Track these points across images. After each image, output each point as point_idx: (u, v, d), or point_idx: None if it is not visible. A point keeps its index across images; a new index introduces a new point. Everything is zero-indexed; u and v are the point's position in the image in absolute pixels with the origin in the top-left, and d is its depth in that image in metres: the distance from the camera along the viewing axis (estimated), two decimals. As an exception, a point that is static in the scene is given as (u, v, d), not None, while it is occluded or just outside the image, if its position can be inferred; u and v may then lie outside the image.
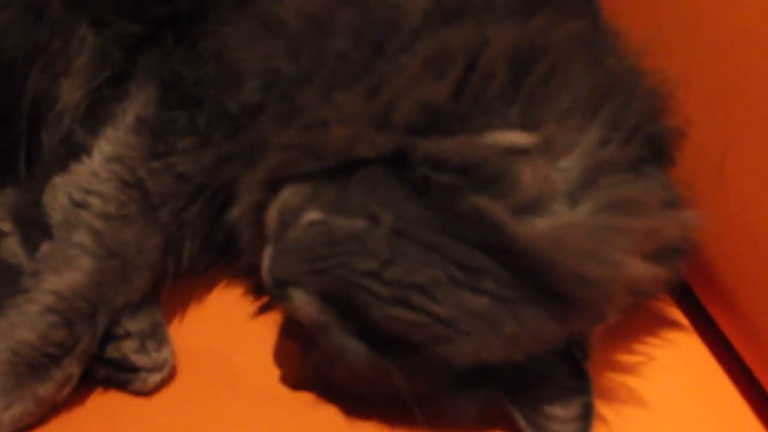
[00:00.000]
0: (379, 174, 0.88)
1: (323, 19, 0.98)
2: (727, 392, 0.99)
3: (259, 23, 1.00)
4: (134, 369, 0.98)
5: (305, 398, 0.99)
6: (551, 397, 0.90)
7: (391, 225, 0.84)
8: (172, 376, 1.01)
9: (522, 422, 0.91)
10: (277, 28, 0.99)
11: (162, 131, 0.99)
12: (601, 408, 0.91)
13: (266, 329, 1.06)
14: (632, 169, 0.89)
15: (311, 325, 0.89)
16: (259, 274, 1.01)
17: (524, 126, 0.87)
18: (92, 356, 0.97)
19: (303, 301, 0.87)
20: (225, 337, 1.06)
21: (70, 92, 1.05)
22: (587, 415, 0.89)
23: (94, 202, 0.97)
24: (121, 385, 1.00)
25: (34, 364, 0.93)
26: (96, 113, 1.06)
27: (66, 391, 0.96)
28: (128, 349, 0.98)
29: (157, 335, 1.00)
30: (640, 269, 0.84)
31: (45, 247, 0.98)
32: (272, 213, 0.90)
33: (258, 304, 1.10)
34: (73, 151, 1.03)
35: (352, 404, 0.97)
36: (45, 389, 0.94)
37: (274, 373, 1.02)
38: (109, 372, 0.99)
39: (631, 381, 0.96)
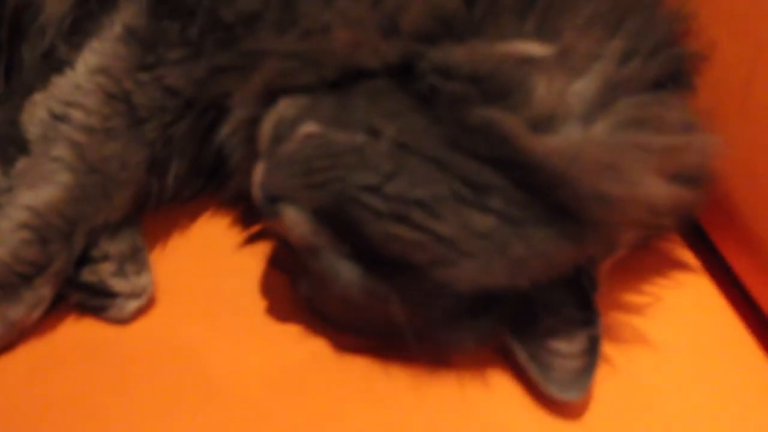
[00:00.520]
0: (382, 86, 0.83)
1: None
2: (738, 334, 0.94)
3: None
4: (111, 294, 0.93)
5: (292, 330, 0.94)
6: (555, 330, 0.85)
7: (393, 138, 0.79)
8: (150, 305, 0.96)
9: (523, 356, 0.86)
10: None
11: (151, 42, 0.93)
12: (607, 348, 0.86)
13: (253, 260, 1.01)
14: (651, 90, 0.84)
15: (303, 246, 0.83)
16: (247, 203, 0.97)
17: (540, 37, 0.81)
18: (66, 279, 0.92)
19: (296, 219, 0.81)
20: (209, 267, 1.01)
21: (55, 3, 0.99)
22: (593, 349, 0.83)
23: (76, 114, 0.91)
24: (96, 312, 0.94)
25: (4, 284, 0.88)
26: (81, 28, 0.99)
27: (36, 314, 0.90)
28: (105, 272, 0.92)
29: (136, 259, 0.94)
30: (659, 189, 0.78)
31: (21, 163, 0.92)
32: (266, 125, 0.85)
33: (245, 234, 1.04)
34: (55, 66, 0.96)
35: (341, 337, 0.92)
36: (15, 311, 0.89)
37: (260, 304, 0.97)
38: (83, 297, 0.94)
39: (637, 321, 0.91)
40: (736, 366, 0.91)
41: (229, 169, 0.97)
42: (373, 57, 0.83)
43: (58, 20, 1.00)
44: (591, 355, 0.83)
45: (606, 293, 0.86)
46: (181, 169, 0.98)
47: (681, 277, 0.97)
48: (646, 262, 0.96)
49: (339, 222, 0.80)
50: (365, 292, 0.82)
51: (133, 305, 0.93)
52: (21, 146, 0.92)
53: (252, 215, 1.03)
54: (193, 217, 1.06)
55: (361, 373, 0.89)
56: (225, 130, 0.94)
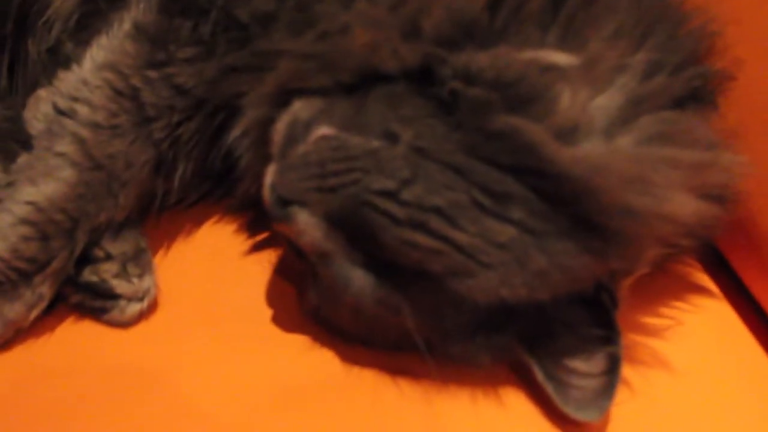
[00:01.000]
0: (399, 91, 0.80)
1: None
2: (759, 360, 0.91)
3: None
4: (112, 296, 0.90)
5: (298, 341, 0.90)
6: (573, 349, 0.82)
7: (411, 142, 0.76)
8: (152, 309, 0.93)
9: (539, 375, 0.83)
10: None
11: (162, 40, 0.90)
12: (625, 370, 0.82)
13: (258, 268, 0.98)
14: (674, 107, 0.81)
15: (314, 252, 0.80)
16: (255, 210, 0.95)
17: (563, 47, 0.79)
18: (66, 279, 0.89)
19: (308, 223, 0.78)
20: (213, 273, 0.98)
21: None
22: (613, 369, 0.80)
23: (82, 110, 0.89)
24: (96, 314, 0.91)
25: (2, 281, 0.85)
26: (89, 24, 0.98)
27: (35, 313, 0.87)
28: (107, 272, 0.89)
29: (139, 261, 0.91)
30: (687, 205, 0.76)
31: (23, 158, 0.89)
32: (279, 127, 0.82)
33: (251, 242, 1.01)
34: (61, 62, 0.94)
35: (350, 348, 0.89)
36: (12, 309, 0.86)
37: (265, 313, 0.93)
38: (83, 298, 0.90)
39: (656, 344, 0.88)
40: (757, 392, 0.89)
41: (237, 174, 0.95)
42: (391, 60, 0.80)
43: (66, 16, 0.99)
44: (611, 374, 0.80)
45: (624, 315, 0.82)
46: (187, 172, 0.95)
47: (700, 302, 0.95)
48: (665, 285, 0.94)
49: (352, 227, 0.77)
50: (377, 302, 0.79)
51: (134, 308, 0.90)
52: (23, 142, 0.90)
53: (259, 223, 1.01)
54: (199, 222, 1.03)
55: (369, 388, 0.86)
56: (235, 132, 0.91)
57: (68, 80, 0.91)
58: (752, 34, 0.88)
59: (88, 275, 0.89)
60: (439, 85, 0.78)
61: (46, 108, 0.91)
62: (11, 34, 1.00)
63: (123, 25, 0.92)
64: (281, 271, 0.97)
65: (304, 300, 0.89)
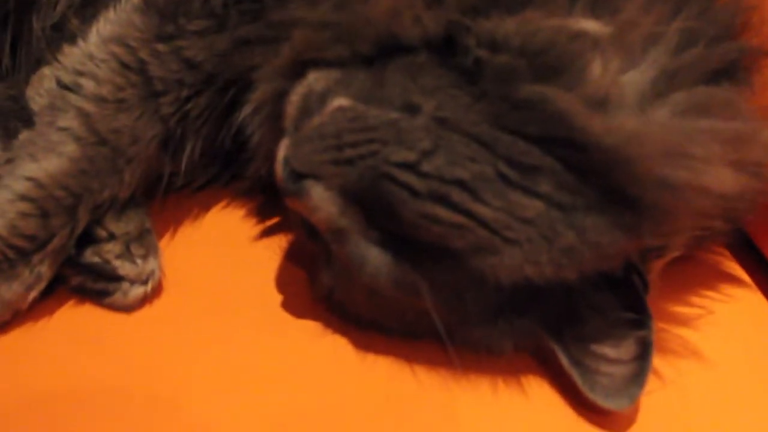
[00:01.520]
0: (421, 61, 0.76)
1: None
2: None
3: None
4: (115, 278, 0.86)
5: (309, 327, 0.87)
6: (601, 333, 0.78)
7: (433, 113, 0.72)
8: (157, 293, 0.89)
9: (565, 361, 0.79)
10: None
11: (172, 12, 0.87)
12: (654, 360, 0.78)
13: (268, 253, 0.94)
14: (709, 82, 0.77)
15: (328, 229, 0.76)
16: (265, 194, 0.92)
17: (594, 14, 0.75)
18: (67, 260, 0.85)
19: (322, 198, 0.74)
20: (221, 258, 0.94)
21: None
22: (644, 355, 0.76)
23: (87, 84, 0.86)
24: (98, 298, 0.87)
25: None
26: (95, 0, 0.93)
27: (33, 294, 0.83)
28: (110, 253, 0.86)
29: (144, 242, 0.88)
30: (724, 177, 0.71)
31: (24, 134, 0.86)
32: (293, 99, 0.78)
33: (261, 227, 0.97)
34: (67, 38, 0.91)
35: (364, 335, 0.85)
36: (9, 289, 0.82)
37: (275, 299, 0.89)
38: (85, 280, 0.87)
39: (687, 334, 0.84)
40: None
41: (247, 153, 0.91)
42: (413, 28, 0.76)
43: (72, -9, 0.94)
44: (642, 360, 0.76)
45: (654, 304, 0.78)
46: (196, 150, 0.92)
47: (731, 291, 0.91)
48: (695, 274, 0.91)
49: (369, 202, 0.74)
50: (394, 283, 0.75)
51: (138, 291, 0.86)
52: (24, 120, 0.87)
53: (269, 207, 0.98)
54: (207, 207, 1.00)
55: (385, 376, 0.82)
56: (246, 109, 0.88)
57: (73, 55, 0.88)
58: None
59: (90, 256, 0.86)
60: (462, 54, 0.74)
61: (49, 83, 0.88)
62: (14, 10, 0.97)
63: None
64: (292, 256, 0.93)
65: (316, 284, 0.85)
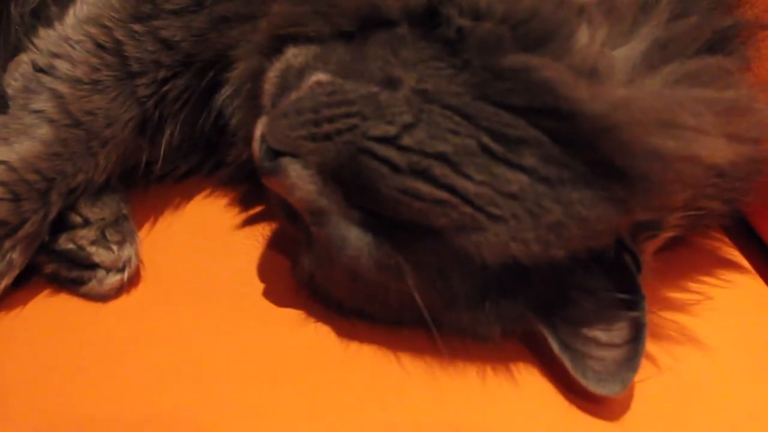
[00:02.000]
0: (402, 35, 0.73)
1: None
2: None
3: None
4: (90, 265, 0.83)
5: (291, 315, 0.84)
6: (592, 316, 0.75)
7: (414, 86, 0.69)
8: (135, 282, 0.86)
9: (555, 346, 0.76)
10: None
11: None
12: (650, 347, 0.76)
13: (250, 242, 0.91)
14: (703, 53, 0.74)
15: (307, 209, 0.73)
16: (248, 182, 0.88)
17: None
18: (40, 247, 0.83)
19: (300, 176, 0.72)
20: (202, 247, 0.92)
21: None
22: (637, 337, 0.73)
23: (62, 66, 0.84)
24: (73, 287, 0.85)
25: (-31, 245, 0.78)
26: None
27: (5, 283, 0.81)
28: (84, 239, 0.83)
29: (120, 228, 0.85)
30: (716, 147, 0.68)
31: (-1, 119, 0.82)
32: (271, 75, 0.76)
33: (243, 216, 0.95)
34: (44, 23, 0.89)
35: (347, 323, 0.82)
36: (-21, 277, 0.78)
37: (257, 287, 0.86)
38: (59, 267, 0.84)
39: (684, 320, 0.82)
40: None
41: (228, 138, 0.89)
42: (394, 0, 0.73)
43: (51, -23, 0.92)
44: (635, 343, 0.73)
45: (650, 290, 0.75)
46: (175, 135, 0.89)
47: (730, 276, 0.89)
48: (693, 260, 0.89)
49: (349, 179, 0.71)
50: (376, 264, 0.73)
51: (114, 280, 0.83)
52: (2, 107, 0.84)
53: (252, 196, 0.95)
54: (188, 196, 0.97)
55: (368, 365, 0.80)
56: (226, 91, 0.86)
57: (49, 37, 0.87)
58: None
59: (64, 242, 0.83)
60: (444, 25, 0.71)
61: (24, 68, 0.86)
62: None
63: None
64: (274, 245, 0.90)
65: (296, 269, 0.82)
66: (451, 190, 0.68)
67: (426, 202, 0.68)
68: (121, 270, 0.84)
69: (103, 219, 0.84)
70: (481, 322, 0.76)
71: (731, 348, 0.82)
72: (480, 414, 0.76)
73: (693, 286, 0.85)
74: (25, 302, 0.83)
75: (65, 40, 0.85)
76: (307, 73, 0.74)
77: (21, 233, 0.79)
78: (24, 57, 0.88)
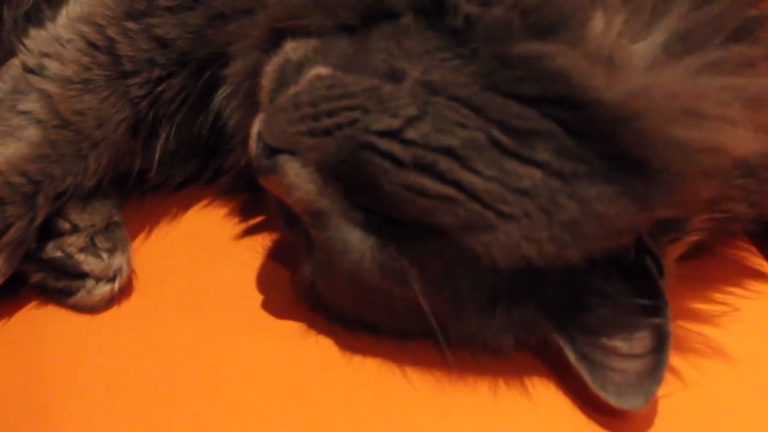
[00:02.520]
0: (406, 25, 0.70)
1: None
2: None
3: None
4: (78, 273, 0.80)
5: (292, 328, 0.80)
6: (612, 324, 0.71)
7: (419, 78, 0.66)
8: (126, 294, 0.83)
9: (572, 357, 0.71)
10: None
11: None
12: (674, 360, 0.71)
13: (249, 253, 0.88)
14: (727, 42, 0.69)
15: (307, 211, 0.69)
16: (248, 191, 0.86)
17: None
18: (27, 255, 0.79)
19: (298, 175, 0.68)
20: (199, 258, 0.89)
21: None
22: (660, 347, 0.69)
23: (51, 65, 0.82)
24: (61, 297, 0.82)
25: (-50, 252, 0.75)
26: None
27: (-11, 293, 0.77)
28: (72, 246, 0.80)
29: (111, 235, 0.83)
30: (743, 137, 0.63)
31: (-13, 123, 0.80)
32: (269, 70, 0.73)
33: (243, 226, 0.91)
34: (36, 24, 0.87)
35: (350, 336, 0.78)
36: (-39, 288, 0.75)
37: (256, 299, 0.83)
38: (46, 277, 0.81)
39: (710, 332, 0.76)
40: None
41: (226, 146, 0.87)
42: None
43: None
44: (658, 353, 0.69)
45: (674, 301, 0.70)
46: (171, 139, 0.87)
47: (758, 287, 0.83)
48: (718, 270, 0.84)
49: (350, 178, 0.67)
50: (379, 269, 0.68)
51: (104, 290, 0.80)
52: None
53: (253, 206, 0.92)
54: (186, 206, 0.95)
55: (373, 379, 0.75)
56: (223, 91, 0.83)
57: (40, 37, 0.85)
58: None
59: (52, 250, 0.81)
60: (451, 14, 0.68)
61: (14, 70, 0.84)
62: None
63: None
64: (275, 256, 0.87)
65: (296, 277, 0.78)
66: (458, 185, 0.64)
67: (431, 199, 0.64)
68: (112, 279, 0.80)
69: (92, 225, 0.81)
70: (491, 330, 0.71)
71: (760, 361, 0.77)
72: (493, 431, 0.71)
73: (719, 296, 0.80)
74: (10, 314, 0.81)
75: (56, 39, 0.83)
76: (306, 67, 0.71)
77: (5, 239, 0.76)
78: (15, 60, 0.85)
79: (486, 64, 0.65)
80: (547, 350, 0.74)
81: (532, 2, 0.65)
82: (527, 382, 0.75)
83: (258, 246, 0.88)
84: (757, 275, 0.85)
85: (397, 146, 0.64)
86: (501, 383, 0.74)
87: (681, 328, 0.75)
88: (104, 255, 0.80)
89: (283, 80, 0.71)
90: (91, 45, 0.82)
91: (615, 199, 0.63)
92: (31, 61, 0.82)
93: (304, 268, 0.76)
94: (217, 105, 0.84)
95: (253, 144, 0.69)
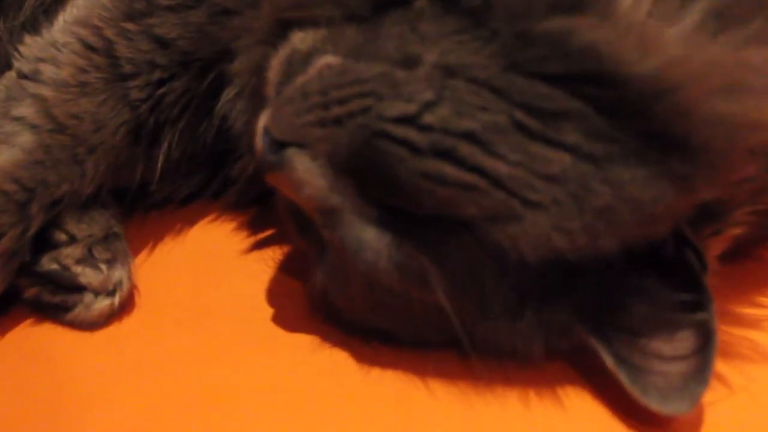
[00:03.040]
0: (420, 8, 0.66)
1: None
2: None
3: None
4: (75, 287, 0.76)
5: (305, 341, 0.76)
6: (652, 324, 0.65)
7: (435, 62, 0.61)
8: (127, 309, 0.79)
9: (609, 360, 0.66)
10: None
11: None
12: (720, 366, 0.66)
13: (259, 266, 0.84)
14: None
15: (318, 209, 0.65)
16: (257, 205, 0.85)
17: None
18: (21, 267, 0.76)
19: (308, 169, 0.64)
20: (205, 272, 0.85)
21: None
22: (706, 345, 0.63)
23: (47, 69, 0.80)
24: (57, 314, 0.78)
25: (-61, 264, 0.72)
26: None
27: (-20, 308, 0.73)
28: (69, 257, 0.76)
29: (110, 246, 0.79)
30: None
31: (-19, 132, 0.78)
32: (275, 62, 0.69)
33: (252, 240, 0.87)
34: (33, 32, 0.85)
35: (366, 346, 0.74)
36: (-48, 303, 0.72)
37: (266, 313, 0.79)
38: (42, 292, 0.77)
39: (756, 336, 0.71)
40: None
41: (232, 154, 0.83)
42: None
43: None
44: (704, 353, 0.63)
45: (716, 305, 0.65)
46: (174, 146, 0.84)
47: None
48: (764, 274, 0.79)
49: (363, 171, 0.63)
50: (397, 269, 0.64)
51: (103, 305, 0.77)
52: None
53: (262, 220, 0.88)
54: (192, 221, 0.91)
55: (393, 393, 0.71)
56: (228, 93, 0.80)
57: (35, 44, 0.82)
58: None
59: (47, 263, 0.77)
60: None
61: (9, 77, 0.81)
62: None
63: None
64: (286, 268, 0.83)
65: (309, 285, 0.74)
66: (481, 172, 0.59)
67: (452, 188, 0.60)
68: (111, 293, 0.77)
69: (90, 236, 0.78)
70: (520, 334, 0.66)
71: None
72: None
73: (765, 300, 0.76)
74: (3, 333, 0.77)
75: (52, 44, 0.81)
76: (314, 57, 0.67)
77: None
78: (11, 73, 0.83)
79: (507, 44, 0.61)
80: (581, 356, 0.69)
81: None
82: (560, 392, 0.70)
83: (268, 259, 0.84)
84: (804, 277, 0.79)
85: (414, 132, 0.60)
86: (532, 394, 0.69)
87: (725, 333, 0.69)
88: (103, 266, 0.76)
89: (290, 71, 0.67)
90: (88, 47, 0.79)
91: (652, 182, 0.59)
92: (26, 67, 0.80)
93: (316, 275, 0.72)
94: (222, 109, 0.81)
95: (259, 140, 0.66)
